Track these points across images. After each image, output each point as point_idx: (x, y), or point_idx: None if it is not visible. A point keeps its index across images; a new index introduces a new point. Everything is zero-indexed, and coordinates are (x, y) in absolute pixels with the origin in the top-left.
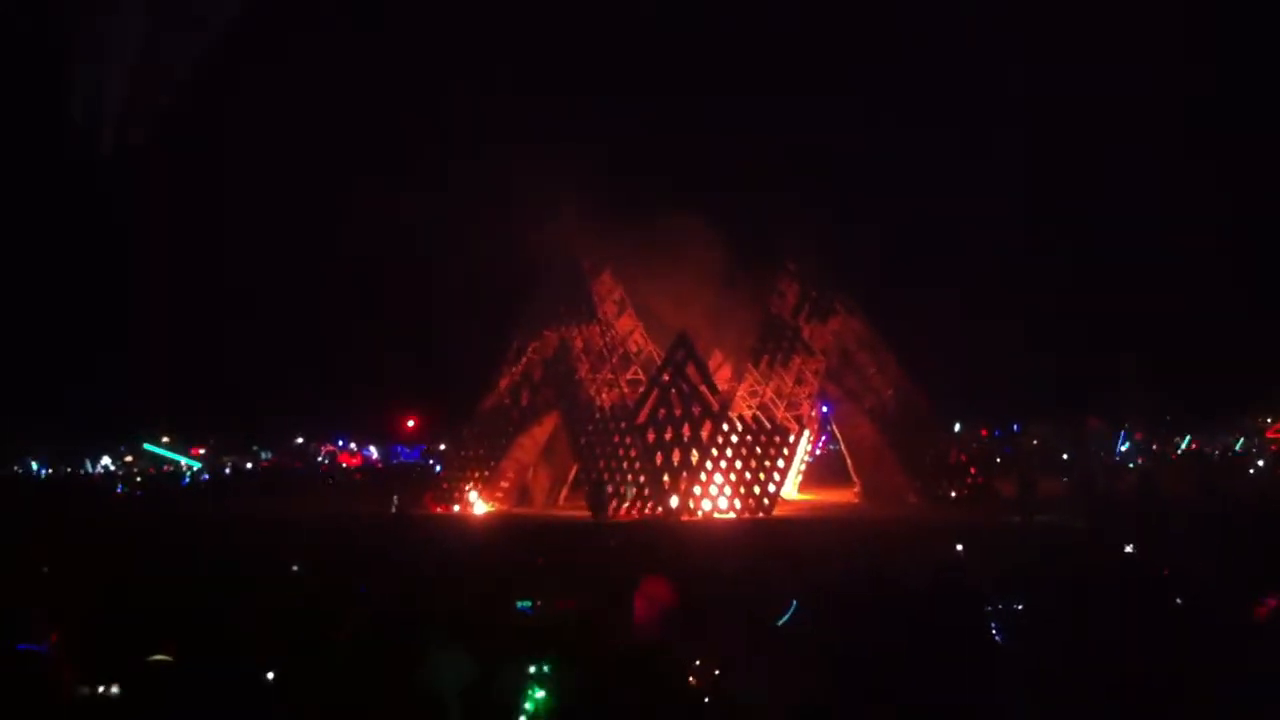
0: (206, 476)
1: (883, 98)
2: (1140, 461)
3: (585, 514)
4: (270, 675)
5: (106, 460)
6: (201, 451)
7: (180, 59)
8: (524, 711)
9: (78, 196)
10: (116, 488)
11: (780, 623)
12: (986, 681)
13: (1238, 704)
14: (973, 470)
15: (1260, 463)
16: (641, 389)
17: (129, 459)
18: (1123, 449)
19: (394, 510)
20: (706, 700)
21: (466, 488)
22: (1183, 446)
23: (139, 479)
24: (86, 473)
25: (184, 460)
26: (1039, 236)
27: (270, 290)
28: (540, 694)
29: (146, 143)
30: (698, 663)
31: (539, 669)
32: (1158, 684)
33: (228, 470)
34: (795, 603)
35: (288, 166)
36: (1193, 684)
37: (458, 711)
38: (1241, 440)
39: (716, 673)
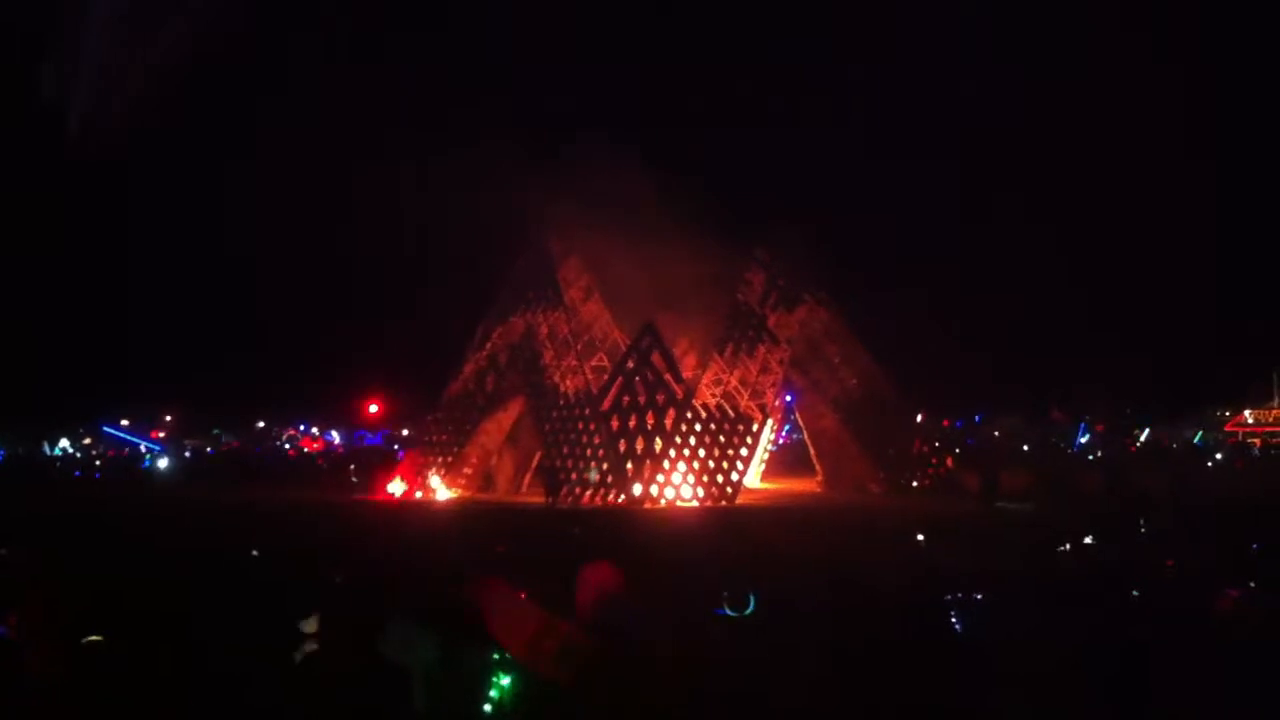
0: (165, 460)
1: (864, 96)
2: (1100, 454)
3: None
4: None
5: (65, 443)
6: (161, 434)
7: (154, 46)
8: (489, 697)
9: (42, 180)
10: (74, 471)
11: (746, 614)
12: (948, 674)
13: (1200, 695)
14: (934, 460)
15: (1219, 455)
16: (606, 376)
17: (87, 441)
18: (1082, 440)
19: (353, 483)
20: (669, 687)
21: (430, 473)
22: (1142, 438)
23: (98, 462)
24: (45, 455)
25: (143, 443)
26: (1005, 227)
27: (235, 274)
28: (506, 680)
29: (116, 128)
30: (662, 648)
31: (502, 655)
32: (1120, 675)
33: (188, 454)
34: (753, 596)
35: (253, 150)
36: (1155, 674)
37: (421, 696)
38: (1201, 433)
39: (684, 664)
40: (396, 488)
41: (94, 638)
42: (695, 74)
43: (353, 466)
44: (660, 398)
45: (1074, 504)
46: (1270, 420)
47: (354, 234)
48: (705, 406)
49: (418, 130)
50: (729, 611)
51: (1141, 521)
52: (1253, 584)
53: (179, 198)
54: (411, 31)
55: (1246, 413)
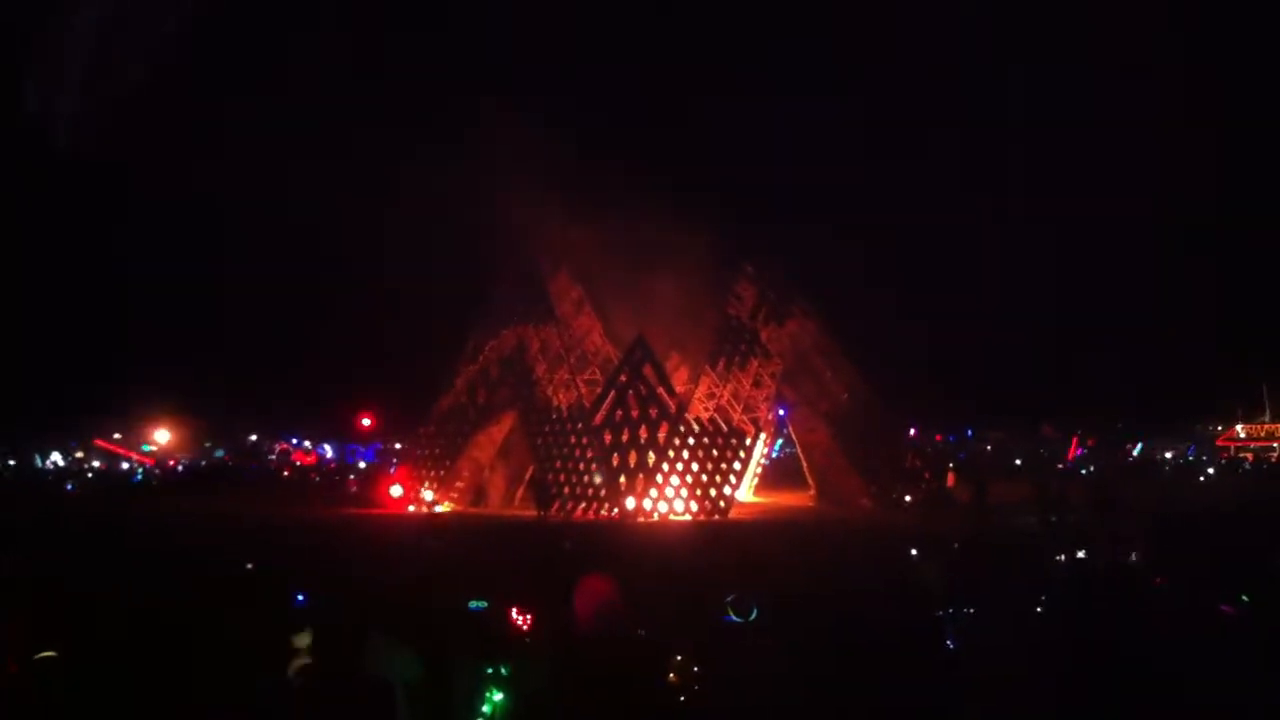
0: (157, 473)
1: (852, 107)
2: (1091, 469)
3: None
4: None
5: (56, 456)
6: (153, 449)
7: (136, 51)
8: (480, 713)
9: (30, 189)
10: (67, 485)
11: (751, 619)
12: (940, 684)
13: (1188, 708)
14: (927, 475)
15: (1210, 470)
16: (599, 389)
17: (79, 455)
18: (1075, 455)
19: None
20: (683, 699)
21: (422, 486)
22: (1135, 454)
23: (90, 475)
24: (38, 468)
25: (136, 456)
26: (996, 243)
27: (227, 287)
28: (498, 696)
29: (100, 134)
30: (678, 659)
31: (495, 670)
32: (1109, 688)
33: (180, 468)
34: (756, 603)
35: (242, 161)
36: (1143, 688)
37: (408, 713)
38: (1193, 448)
39: (695, 670)
40: (397, 490)
41: (48, 654)
42: (689, 79)
43: (352, 477)
44: (653, 412)
45: (1067, 519)
46: (1262, 435)
47: (346, 244)
48: (698, 420)
49: (411, 136)
50: (734, 618)
51: (1130, 534)
52: (1245, 598)
53: (167, 207)
54: (407, 32)
55: (1238, 427)
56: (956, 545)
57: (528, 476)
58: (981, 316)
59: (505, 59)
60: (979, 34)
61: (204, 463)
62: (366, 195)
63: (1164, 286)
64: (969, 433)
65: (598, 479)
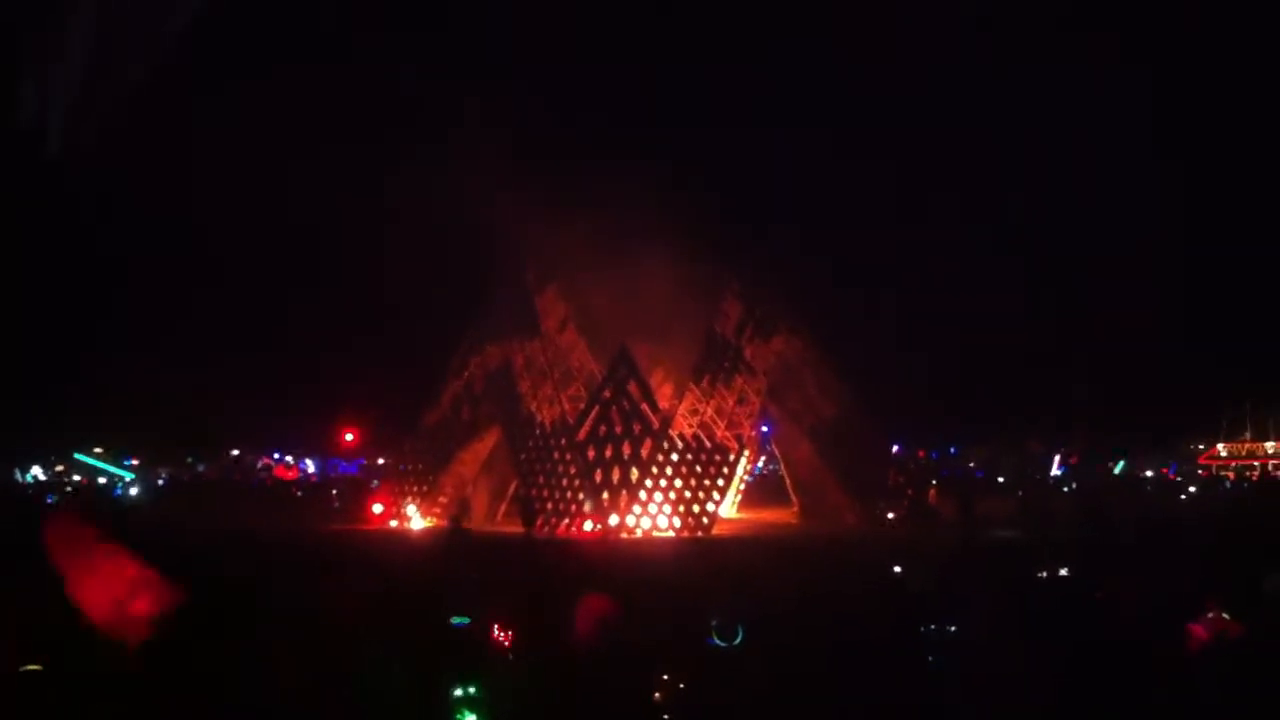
0: (136, 489)
1: (840, 119)
2: (1074, 485)
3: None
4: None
5: (37, 470)
6: (134, 462)
7: (134, 56)
8: None
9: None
10: (47, 497)
11: (735, 644)
12: (922, 701)
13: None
14: (910, 491)
15: (1192, 488)
16: (583, 405)
17: (60, 468)
18: (1057, 472)
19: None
20: (666, 718)
21: (405, 501)
22: (1117, 470)
23: (70, 489)
24: (18, 482)
25: (116, 471)
26: (980, 259)
27: (208, 298)
28: (470, 718)
29: (87, 144)
30: (664, 679)
31: (475, 687)
32: (1088, 701)
33: (161, 482)
34: (742, 626)
35: (227, 168)
36: (1118, 701)
37: None
38: (1175, 466)
39: (680, 687)
40: (378, 508)
41: (33, 666)
42: (681, 84)
43: (334, 491)
44: (636, 427)
45: (1053, 535)
46: (1243, 453)
47: (332, 256)
48: (682, 436)
49: (395, 149)
50: (719, 641)
51: (1113, 548)
52: (1225, 615)
53: (152, 219)
54: (406, 32)
55: (1220, 445)
56: (941, 560)
57: (511, 492)
58: (972, 324)
59: (504, 59)
60: (979, 34)
61: (186, 477)
62: (355, 203)
63: (1160, 295)
64: (953, 449)
65: (587, 506)
